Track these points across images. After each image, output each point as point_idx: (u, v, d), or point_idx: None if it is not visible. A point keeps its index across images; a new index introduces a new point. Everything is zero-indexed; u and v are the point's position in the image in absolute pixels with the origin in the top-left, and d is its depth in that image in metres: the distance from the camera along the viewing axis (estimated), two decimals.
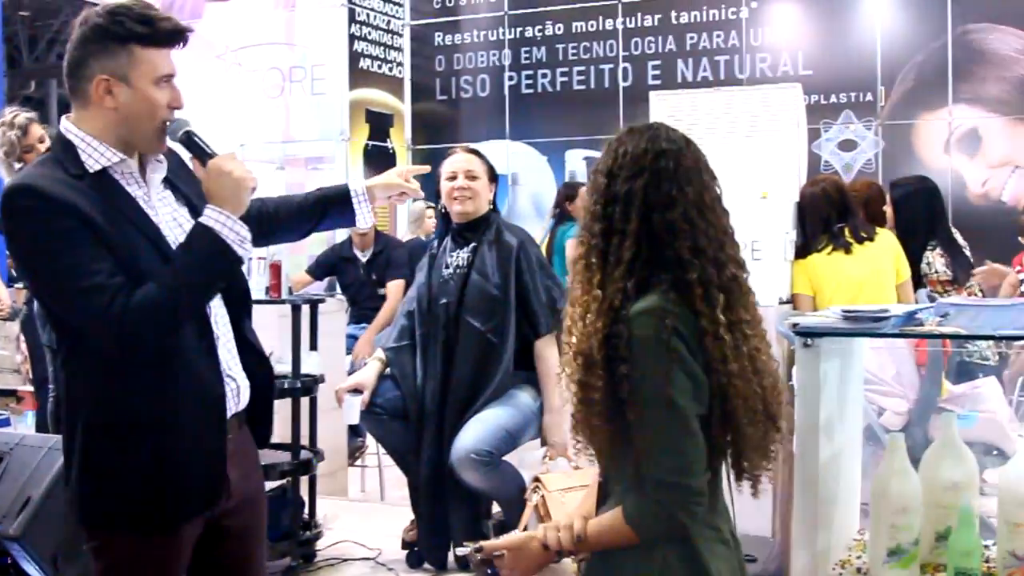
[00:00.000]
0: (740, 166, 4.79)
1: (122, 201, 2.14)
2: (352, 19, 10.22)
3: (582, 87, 10.63)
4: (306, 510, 4.50)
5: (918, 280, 4.79)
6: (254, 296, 4.05)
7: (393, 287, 6.67)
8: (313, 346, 4.56)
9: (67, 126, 2.18)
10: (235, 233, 2.12)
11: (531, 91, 10.88)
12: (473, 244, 4.05)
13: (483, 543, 2.12)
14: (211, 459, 2.19)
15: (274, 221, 2.58)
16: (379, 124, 10.70)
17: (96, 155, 2.14)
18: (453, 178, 4.07)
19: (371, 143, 10.53)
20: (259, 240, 2.59)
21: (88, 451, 2.15)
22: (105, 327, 2.03)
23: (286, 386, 4.14)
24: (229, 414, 2.24)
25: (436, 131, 11.22)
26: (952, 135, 9.13)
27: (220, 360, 2.23)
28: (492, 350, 3.91)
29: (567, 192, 7.81)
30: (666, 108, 5.05)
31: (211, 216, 2.12)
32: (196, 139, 2.22)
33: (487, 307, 3.94)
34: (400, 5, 10.97)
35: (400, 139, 11.02)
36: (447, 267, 4.06)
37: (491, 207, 4.18)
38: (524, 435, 3.95)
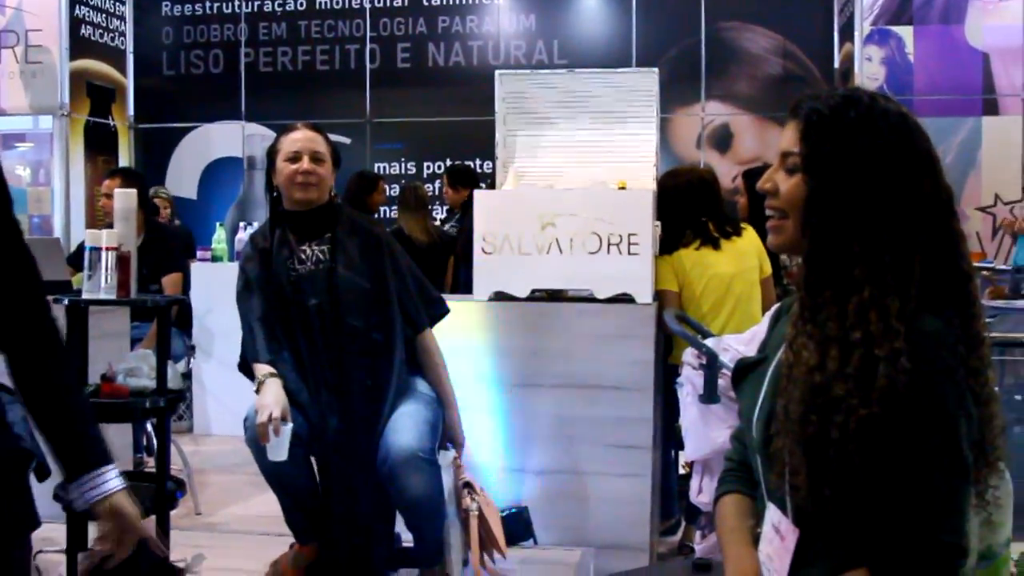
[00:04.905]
0: (597, 154, 4.53)
1: None
2: None
3: (326, 67, 10.07)
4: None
5: (777, 275, 4.70)
6: (105, 296, 3.38)
7: (168, 283, 5.95)
8: (85, 349, 3.78)
9: None
10: None
11: (269, 69, 10.19)
12: (328, 235, 3.52)
13: None
14: None
15: None
16: (101, 98, 9.70)
17: None
18: (295, 159, 3.48)
19: (92, 119, 9.53)
20: None
21: None
22: None
23: (148, 405, 3.34)
24: None
25: (162, 108, 10.29)
26: (704, 130, 9.31)
27: None
28: (380, 349, 3.40)
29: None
30: (512, 90, 4.71)
31: None
32: None
33: (364, 303, 3.41)
34: None
35: (122, 116, 10.04)
36: (300, 262, 3.47)
37: (332, 195, 3.64)
38: (439, 428, 3.47)
